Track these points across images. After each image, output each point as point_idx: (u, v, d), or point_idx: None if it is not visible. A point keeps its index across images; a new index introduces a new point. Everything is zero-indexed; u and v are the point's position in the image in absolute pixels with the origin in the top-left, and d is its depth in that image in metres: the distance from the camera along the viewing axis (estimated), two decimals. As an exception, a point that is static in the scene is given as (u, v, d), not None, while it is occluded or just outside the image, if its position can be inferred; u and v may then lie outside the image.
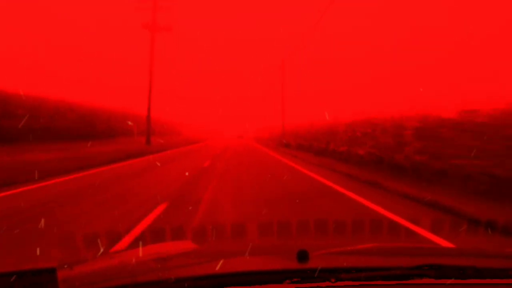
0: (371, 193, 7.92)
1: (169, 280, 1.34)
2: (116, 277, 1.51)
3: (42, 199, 7.08)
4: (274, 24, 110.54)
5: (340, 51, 44.29)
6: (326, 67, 43.90)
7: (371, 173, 11.04)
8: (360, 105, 28.39)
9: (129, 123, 38.51)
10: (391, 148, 12.40)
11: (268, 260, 1.79)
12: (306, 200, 7.00)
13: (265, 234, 4.22)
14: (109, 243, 3.95)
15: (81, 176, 10.60)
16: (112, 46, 58.46)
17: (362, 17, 47.76)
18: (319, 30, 39.24)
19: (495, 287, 1.42)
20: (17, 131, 19.17)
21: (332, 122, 24.18)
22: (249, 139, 66.33)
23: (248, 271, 1.48)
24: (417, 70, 28.27)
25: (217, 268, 1.49)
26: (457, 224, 5.18)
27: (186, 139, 48.57)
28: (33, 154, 15.65)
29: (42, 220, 4.88)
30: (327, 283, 1.35)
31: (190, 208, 6.02)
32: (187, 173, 11.03)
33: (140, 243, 3.80)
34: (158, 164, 14.77)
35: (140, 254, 2.01)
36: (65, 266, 1.53)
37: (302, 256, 1.49)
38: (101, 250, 3.31)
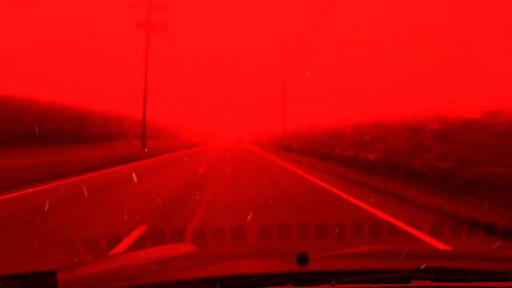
0: (397, 207, 6.63)
1: (170, 282, 1.33)
2: (116, 280, 1.49)
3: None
4: (274, 25, 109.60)
5: (342, 52, 43.16)
6: (327, 69, 42.80)
7: (386, 181, 9.77)
8: (365, 107, 27.25)
9: (126, 126, 37.31)
10: (406, 153, 11.12)
11: (268, 263, 1.78)
12: (322, 218, 5.70)
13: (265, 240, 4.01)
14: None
15: (54, 186, 9.29)
16: (108, 46, 57.27)
17: (363, 17, 46.70)
18: (319, 30, 38.17)
19: None
20: (-2, 134, 17.90)
21: (336, 125, 22.93)
22: (249, 142, 64.95)
23: (249, 274, 1.48)
24: (422, 71, 27.20)
25: (218, 270, 1.55)
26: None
27: (184, 143, 47.26)
28: (15, 160, 14.38)
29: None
30: (327, 286, 1.34)
31: (174, 232, 4.73)
32: (178, 183, 9.76)
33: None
34: (149, 171, 13.49)
35: (140, 257, 2.00)
36: (65, 269, 1.55)
37: (302, 258, 1.47)
38: None
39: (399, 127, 13.25)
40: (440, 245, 4.15)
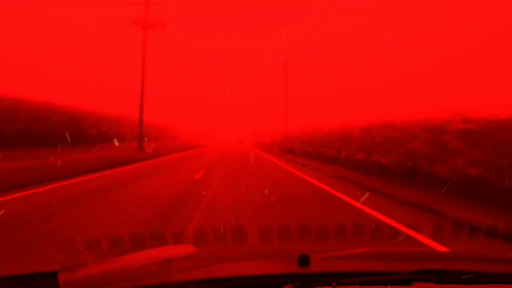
0: (434, 226, 5.49)
1: (171, 284, 1.33)
2: (117, 281, 1.49)
3: None
4: (274, 25, 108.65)
5: (343, 52, 42.17)
6: (329, 69, 41.79)
7: (406, 189, 8.67)
8: (371, 108, 26.20)
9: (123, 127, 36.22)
10: (426, 157, 10.00)
11: (269, 264, 1.76)
12: (346, 243, 4.57)
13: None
14: None
15: (31, 193, 8.18)
16: (107, 46, 56.18)
17: (363, 17, 45.72)
18: (320, 30, 37.12)
19: None
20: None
21: (342, 126, 21.82)
22: (249, 144, 63.66)
23: (250, 275, 1.48)
24: (427, 70, 26.23)
25: (219, 272, 1.54)
26: None
27: (183, 145, 46.11)
28: (-2, 163, 13.27)
29: None
30: (328, 287, 1.33)
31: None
32: (170, 191, 8.67)
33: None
34: (140, 176, 12.39)
35: (141, 258, 1.98)
36: (67, 270, 1.55)
37: (303, 260, 1.47)
38: None
39: (415, 128, 12.13)
40: None
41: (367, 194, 8.34)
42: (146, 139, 29.60)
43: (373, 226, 5.24)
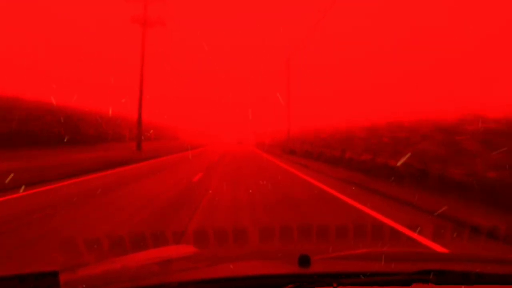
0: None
1: (171, 284, 1.32)
2: (118, 281, 1.49)
3: None
4: (274, 24, 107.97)
5: (346, 52, 41.53)
6: (330, 69, 41.18)
7: (420, 194, 8.04)
8: (374, 108, 25.59)
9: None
10: (440, 159, 9.38)
11: (270, 264, 1.76)
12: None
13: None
14: None
15: (13, 198, 7.58)
16: (108, 46, 55.52)
17: (363, 17, 45.07)
18: (321, 30, 36.53)
19: None
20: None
21: (346, 126, 21.21)
22: (250, 144, 62.94)
23: (250, 275, 1.47)
24: (431, 70, 25.63)
25: (220, 272, 1.53)
26: None
27: (183, 145, 45.48)
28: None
29: None
30: None
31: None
32: (164, 195, 8.05)
33: None
34: (135, 178, 11.77)
35: (141, 258, 1.97)
36: (67, 270, 1.54)
37: (304, 260, 1.47)
38: None
39: (424, 128, 11.51)
40: None
41: (377, 199, 7.72)
42: (146, 139, 29.00)
43: (390, 234, 4.73)
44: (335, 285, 1.33)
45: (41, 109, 24.25)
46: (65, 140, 23.85)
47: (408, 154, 9.85)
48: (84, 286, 1.36)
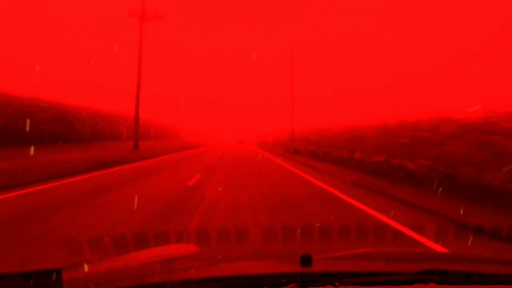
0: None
1: (174, 282, 1.32)
2: (121, 279, 1.48)
3: None
4: (274, 24, 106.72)
5: (347, 51, 40.44)
6: (333, 68, 40.09)
7: (458, 204, 6.84)
8: (381, 106, 24.44)
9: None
10: (470, 162, 8.17)
11: (271, 264, 1.76)
12: None
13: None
14: None
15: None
16: (107, 45, 54.36)
17: (363, 17, 43.94)
18: (322, 29, 35.52)
19: None
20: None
21: (354, 125, 20.00)
22: (251, 144, 61.58)
23: (253, 274, 1.47)
24: (430, 70, 24.61)
25: (222, 271, 1.52)
26: None
27: (182, 144, 44.33)
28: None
29: None
30: (330, 287, 1.30)
31: None
32: (154, 203, 6.86)
33: None
34: (126, 181, 10.57)
35: (143, 256, 1.98)
36: (71, 267, 1.54)
37: (306, 260, 1.45)
38: None
39: (447, 127, 10.29)
40: None
41: (407, 210, 6.53)
42: (145, 138, 27.87)
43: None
44: (337, 284, 1.30)
45: (33, 106, 23.10)
46: (61, 138, 22.72)
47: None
48: (87, 283, 1.34)
